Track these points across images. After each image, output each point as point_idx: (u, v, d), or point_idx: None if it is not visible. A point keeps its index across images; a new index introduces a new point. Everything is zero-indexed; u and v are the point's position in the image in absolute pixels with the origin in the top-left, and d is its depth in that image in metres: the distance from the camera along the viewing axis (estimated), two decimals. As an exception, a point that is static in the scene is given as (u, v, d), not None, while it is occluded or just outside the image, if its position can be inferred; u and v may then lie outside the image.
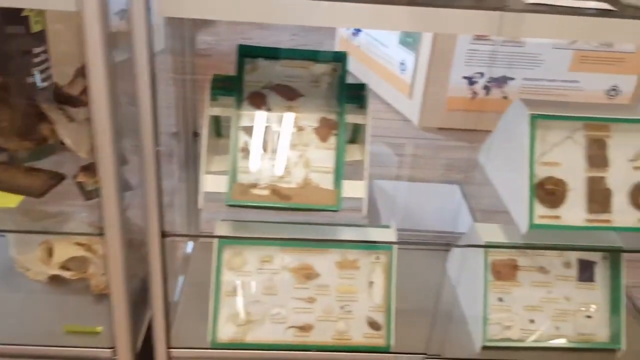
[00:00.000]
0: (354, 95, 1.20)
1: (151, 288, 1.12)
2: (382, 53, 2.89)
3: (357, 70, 3.15)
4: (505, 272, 1.29)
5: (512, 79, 2.57)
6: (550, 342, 1.28)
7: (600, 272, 1.30)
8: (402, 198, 2.40)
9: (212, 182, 1.15)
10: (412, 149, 2.72)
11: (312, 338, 1.26)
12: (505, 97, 2.62)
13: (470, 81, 2.59)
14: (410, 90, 2.78)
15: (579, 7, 0.92)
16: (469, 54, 2.50)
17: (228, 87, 1.17)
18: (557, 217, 1.14)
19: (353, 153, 1.24)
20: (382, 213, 2.18)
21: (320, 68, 1.18)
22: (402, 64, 2.76)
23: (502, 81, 2.58)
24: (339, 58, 1.18)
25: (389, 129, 2.88)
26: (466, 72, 2.50)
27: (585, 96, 2.57)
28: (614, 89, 2.60)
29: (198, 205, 1.13)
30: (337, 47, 3.29)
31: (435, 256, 1.58)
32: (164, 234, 1.07)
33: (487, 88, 2.61)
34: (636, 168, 1.16)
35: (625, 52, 2.43)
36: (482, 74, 2.57)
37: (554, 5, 0.92)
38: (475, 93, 2.64)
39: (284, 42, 3.40)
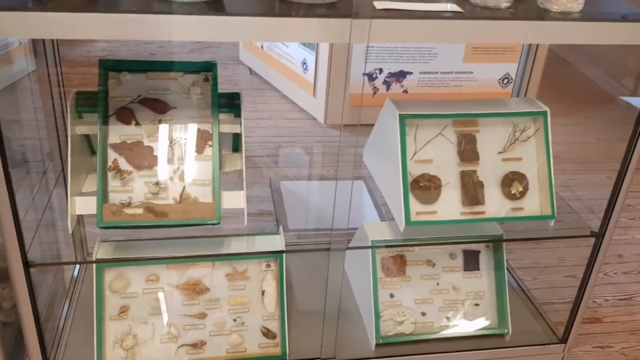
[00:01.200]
0: (228, 104, 1.18)
1: (22, 323, 1.06)
2: (285, 53, 2.88)
3: (262, 71, 3.13)
4: (394, 268, 1.31)
5: (410, 73, 2.63)
6: (442, 332, 1.32)
7: (484, 261, 1.34)
8: (309, 197, 2.40)
9: (82, 205, 1.09)
10: (319, 147, 2.73)
11: (206, 354, 1.23)
12: (405, 91, 2.67)
13: (370, 77, 2.62)
14: (313, 89, 2.79)
15: (428, 10, 0.94)
16: (367, 51, 2.53)
17: (92, 103, 1.12)
18: (433, 212, 1.17)
19: (234, 162, 1.22)
20: (288, 215, 2.17)
21: (190, 79, 1.15)
22: (304, 63, 2.76)
23: (400, 76, 2.63)
24: (209, 67, 1.16)
25: (296, 128, 2.88)
26: (365, 68, 2.54)
27: (480, 86, 2.67)
28: (506, 78, 2.71)
29: (68, 230, 1.08)
30: (241, 49, 3.25)
31: (335, 257, 1.58)
32: (27, 264, 1.01)
33: (387, 83, 2.66)
34: (505, 160, 1.20)
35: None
36: (381, 70, 2.61)
37: (404, 10, 0.94)
38: (376, 88, 2.68)
39: (186, 45, 3.32)
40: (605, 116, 3.02)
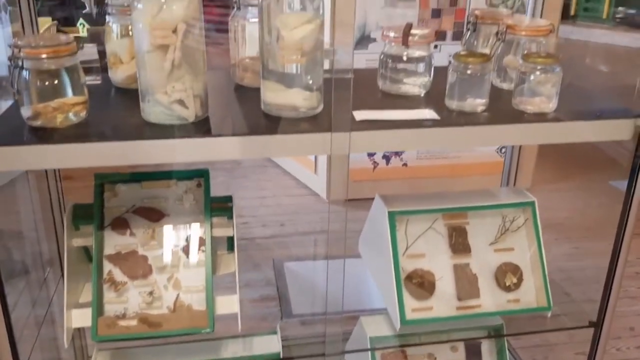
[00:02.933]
0: (220, 208, 1.20)
1: None
2: (285, 131, 2.97)
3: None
4: (395, 363, 1.30)
5: (408, 147, 2.68)
6: None
7: (487, 351, 1.32)
8: (314, 278, 2.39)
9: (78, 318, 1.11)
10: (322, 224, 2.74)
11: None
12: (404, 164, 2.71)
13: (369, 152, 2.66)
14: (315, 166, 2.83)
15: (406, 120, 0.98)
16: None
17: (89, 215, 1.15)
18: (429, 308, 1.17)
19: (228, 264, 1.23)
20: (292, 298, 2.16)
21: (183, 186, 1.19)
22: (304, 141, 2.83)
23: (398, 150, 2.68)
24: (202, 174, 1.19)
25: (300, 205, 2.90)
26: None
27: (478, 156, 2.70)
28: (504, 146, 2.75)
29: (64, 344, 1.09)
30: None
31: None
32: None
33: (386, 157, 2.70)
34: (497, 251, 1.21)
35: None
36: (379, 146, 2.66)
37: (383, 120, 0.97)
38: (375, 163, 2.72)
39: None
40: (607, 179, 3.03)
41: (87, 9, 3.91)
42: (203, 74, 0.96)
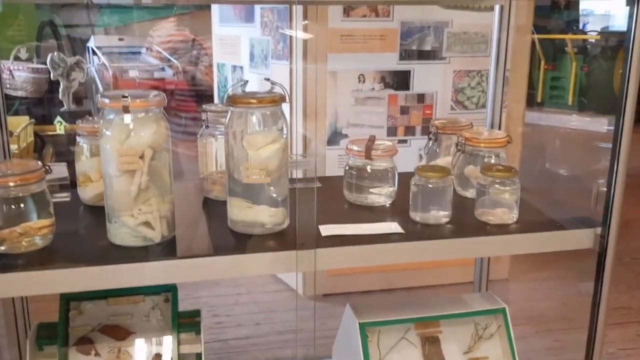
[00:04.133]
0: (188, 323, 1.18)
1: None
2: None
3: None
4: None
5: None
6: None
7: None
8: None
9: None
10: (300, 322, 2.69)
11: None
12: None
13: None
14: (291, 261, 2.83)
15: (372, 234, 0.99)
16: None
17: (53, 335, 1.12)
18: (404, 422, 1.13)
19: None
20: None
21: (150, 302, 1.17)
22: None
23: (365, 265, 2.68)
24: (170, 288, 1.18)
25: (276, 302, 2.86)
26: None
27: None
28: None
29: None
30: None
31: None
32: None
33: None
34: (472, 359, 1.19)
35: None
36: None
37: (348, 235, 0.99)
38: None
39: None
40: (587, 267, 3.05)
41: (65, 107, 3.99)
42: (170, 194, 0.97)
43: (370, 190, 1.14)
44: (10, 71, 4.24)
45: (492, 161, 1.16)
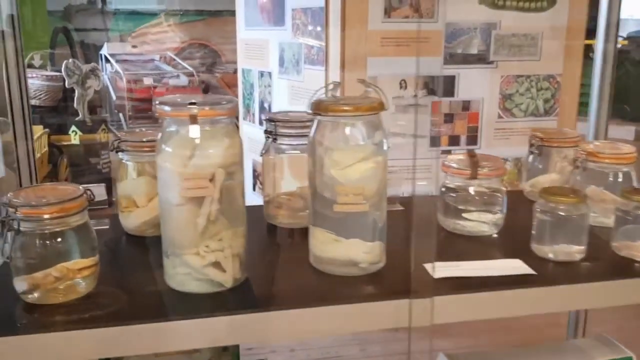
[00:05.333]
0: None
1: None
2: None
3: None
4: None
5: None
6: None
7: None
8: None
9: None
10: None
11: None
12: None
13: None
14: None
15: (496, 275, 0.79)
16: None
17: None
18: None
19: None
20: None
21: (207, 353, 0.97)
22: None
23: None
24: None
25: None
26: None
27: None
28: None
29: None
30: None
31: None
32: None
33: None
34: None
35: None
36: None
37: (467, 277, 0.79)
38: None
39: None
40: None
41: (80, 116, 3.82)
42: (243, 227, 0.77)
43: (472, 218, 0.94)
44: (24, 79, 4.05)
45: (620, 180, 0.95)
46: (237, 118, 0.77)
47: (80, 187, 0.75)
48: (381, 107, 0.77)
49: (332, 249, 0.80)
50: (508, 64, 2.59)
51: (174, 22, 5.72)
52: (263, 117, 2.67)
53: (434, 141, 2.64)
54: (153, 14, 5.63)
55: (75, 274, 0.75)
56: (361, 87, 0.81)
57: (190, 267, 0.74)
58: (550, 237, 0.84)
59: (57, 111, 4.15)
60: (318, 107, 0.77)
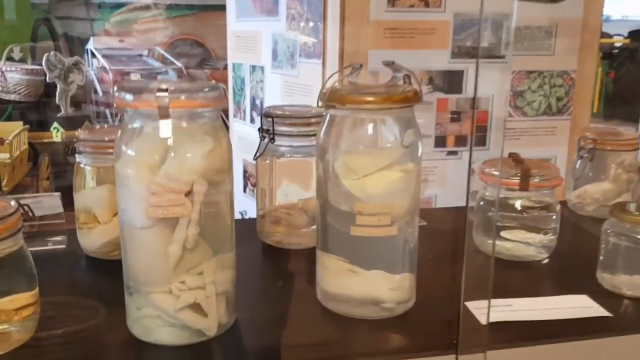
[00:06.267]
0: None
1: None
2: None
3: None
4: None
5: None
6: None
7: None
8: None
9: None
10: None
11: None
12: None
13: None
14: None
15: (562, 318, 0.61)
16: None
17: None
18: None
19: None
20: None
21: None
22: None
23: None
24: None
25: None
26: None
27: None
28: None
29: None
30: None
31: None
32: None
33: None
34: None
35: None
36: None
37: (524, 322, 0.60)
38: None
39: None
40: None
41: (63, 112, 3.61)
42: (231, 254, 0.59)
43: (518, 238, 0.76)
44: (2, 72, 3.85)
45: (698, 193, 0.77)
46: (225, 113, 0.58)
47: (12, 203, 0.56)
48: (416, 97, 0.59)
49: (347, 283, 0.61)
50: (520, 58, 2.40)
51: (162, 17, 5.51)
52: (257, 114, 2.48)
53: (440, 141, 2.45)
54: (144, 8, 5.42)
55: (11, 316, 0.56)
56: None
57: (160, 310, 0.55)
58: (626, 266, 0.65)
59: (38, 107, 3.95)
60: (333, 97, 0.58)
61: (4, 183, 2.57)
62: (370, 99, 0.57)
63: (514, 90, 2.52)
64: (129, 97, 0.52)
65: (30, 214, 0.57)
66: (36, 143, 3.53)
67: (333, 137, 0.60)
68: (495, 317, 0.60)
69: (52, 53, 3.70)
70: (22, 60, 4.30)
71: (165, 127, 0.51)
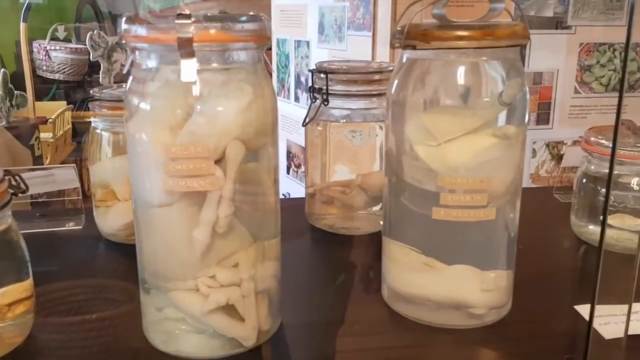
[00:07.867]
0: None
1: None
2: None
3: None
4: None
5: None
6: None
7: None
8: None
9: None
10: None
11: None
12: None
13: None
14: None
15: None
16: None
17: None
18: None
19: None
20: None
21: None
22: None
23: None
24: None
25: None
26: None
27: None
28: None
29: None
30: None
31: None
32: None
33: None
34: None
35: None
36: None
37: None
38: None
39: None
40: None
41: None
42: (276, 241, 0.45)
43: (624, 222, 0.60)
44: (47, 52, 3.84)
45: None
46: (268, 58, 0.44)
47: (0, 170, 0.44)
48: (525, 34, 0.44)
49: (423, 281, 0.47)
50: (589, 29, 2.18)
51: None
52: (302, 92, 2.35)
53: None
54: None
55: (4, 312, 0.44)
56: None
57: (183, 312, 0.43)
58: None
59: (82, 86, 3.94)
60: (413, 34, 0.43)
61: (47, 162, 2.54)
62: (465, 33, 0.42)
63: (581, 65, 2.29)
64: (139, 29, 0.39)
65: (22, 186, 0.45)
66: (80, 122, 3.51)
67: (410, 91, 0.45)
68: (633, 328, 0.44)
69: (95, 32, 3.65)
70: (67, 40, 4.29)
71: (188, 69, 0.37)
